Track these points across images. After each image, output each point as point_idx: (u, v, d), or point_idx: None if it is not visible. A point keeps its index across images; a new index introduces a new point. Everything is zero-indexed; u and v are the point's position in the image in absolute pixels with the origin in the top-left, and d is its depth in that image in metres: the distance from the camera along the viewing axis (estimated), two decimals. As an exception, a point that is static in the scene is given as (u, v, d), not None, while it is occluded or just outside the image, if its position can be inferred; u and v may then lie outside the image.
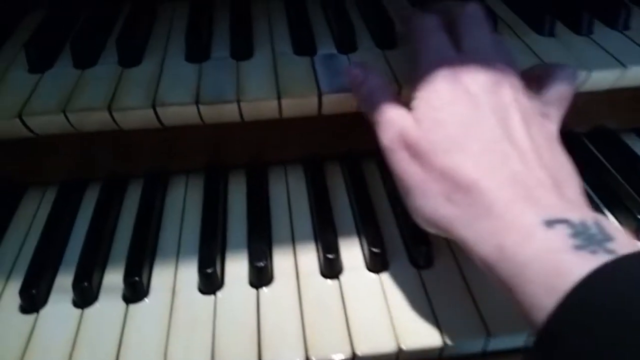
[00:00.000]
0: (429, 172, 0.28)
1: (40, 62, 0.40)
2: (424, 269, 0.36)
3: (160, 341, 0.32)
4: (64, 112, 0.35)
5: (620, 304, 0.20)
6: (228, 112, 0.37)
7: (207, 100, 0.36)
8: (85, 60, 0.40)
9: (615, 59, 0.39)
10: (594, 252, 0.23)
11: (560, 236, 0.24)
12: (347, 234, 0.38)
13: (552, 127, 0.32)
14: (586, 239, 0.23)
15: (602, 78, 0.39)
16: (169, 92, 0.37)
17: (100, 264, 0.36)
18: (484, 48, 0.33)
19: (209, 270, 0.34)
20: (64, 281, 0.35)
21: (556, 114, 0.33)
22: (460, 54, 0.32)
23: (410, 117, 0.31)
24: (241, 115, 0.37)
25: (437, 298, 0.34)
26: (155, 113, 0.36)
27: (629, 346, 0.19)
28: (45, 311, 0.34)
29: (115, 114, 0.36)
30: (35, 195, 0.42)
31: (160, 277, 0.36)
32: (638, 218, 0.38)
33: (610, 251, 0.22)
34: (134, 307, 0.34)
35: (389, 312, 0.33)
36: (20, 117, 0.35)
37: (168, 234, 0.39)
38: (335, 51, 0.42)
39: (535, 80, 0.34)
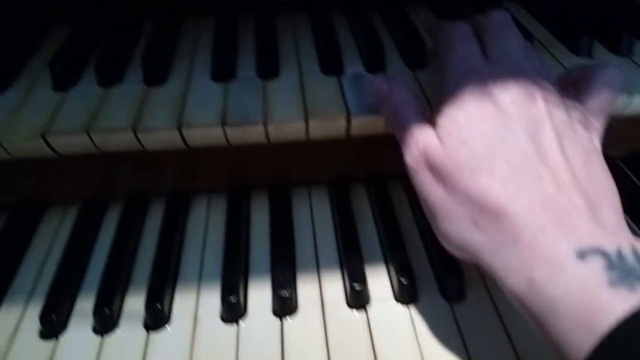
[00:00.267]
0: (454, 195, 0.27)
1: (64, 80, 0.39)
2: (456, 302, 0.34)
3: (182, 371, 0.31)
4: (87, 132, 0.35)
5: None
6: (254, 134, 0.36)
7: (233, 122, 0.35)
8: (110, 78, 0.39)
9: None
10: (631, 286, 0.21)
11: (594, 269, 0.22)
12: (374, 261, 0.37)
13: (592, 139, 0.29)
14: (622, 271, 0.22)
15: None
16: (194, 113, 0.36)
17: (121, 288, 0.35)
18: (514, 57, 0.31)
19: (233, 300, 0.33)
20: (85, 306, 0.34)
21: (598, 123, 0.30)
22: (489, 64, 0.30)
23: (434, 135, 0.29)
24: (267, 137, 0.36)
25: (469, 333, 0.32)
26: (181, 134, 0.35)
27: None
28: (65, 337, 0.33)
29: (140, 135, 0.35)
30: (56, 215, 0.41)
31: (182, 303, 0.35)
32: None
33: None
34: (155, 335, 0.33)
35: (419, 346, 0.32)
36: (43, 137, 0.35)
37: (190, 257, 0.38)
38: (362, 69, 0.41)
39: (573, 85, 0.31)
